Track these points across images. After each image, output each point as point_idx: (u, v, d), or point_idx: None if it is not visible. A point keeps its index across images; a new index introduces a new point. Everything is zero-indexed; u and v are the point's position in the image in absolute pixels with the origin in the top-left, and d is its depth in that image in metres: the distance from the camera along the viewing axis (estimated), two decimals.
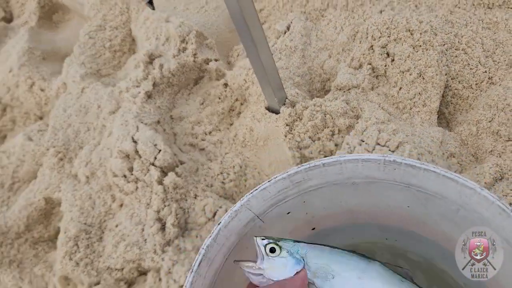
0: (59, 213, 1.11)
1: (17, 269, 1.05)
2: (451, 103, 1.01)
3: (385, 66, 1.04)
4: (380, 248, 0.72)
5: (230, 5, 0.77)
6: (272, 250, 0.54)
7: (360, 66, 1.07)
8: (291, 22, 1.21)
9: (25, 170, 1.16)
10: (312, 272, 0.54)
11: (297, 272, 0.53)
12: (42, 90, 1.36)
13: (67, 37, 1.65)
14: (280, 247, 0.54)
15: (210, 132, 1.14)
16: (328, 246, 0.57)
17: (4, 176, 1.15)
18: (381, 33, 1.05)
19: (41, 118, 1.39)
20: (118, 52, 1.39)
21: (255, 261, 0.53)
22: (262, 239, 0.54)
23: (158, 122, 1.12)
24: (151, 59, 1.19)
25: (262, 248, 0.54)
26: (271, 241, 0.54)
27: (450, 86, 1.01)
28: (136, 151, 0.99)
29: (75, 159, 1.12)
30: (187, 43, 1.21)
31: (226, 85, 1.21)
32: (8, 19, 1.76)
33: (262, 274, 0.53)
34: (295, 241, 0.56)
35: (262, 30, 0.85)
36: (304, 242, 0.56)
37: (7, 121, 1.40)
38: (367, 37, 1.08)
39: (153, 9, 1.19)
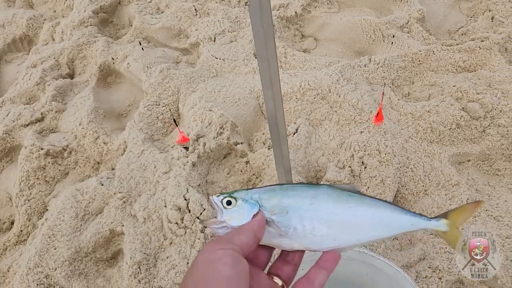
0: (117, 241, 1.52)
1: (84, 279, 1.44)
2: (399, 202, 1.53)
3: (360, 171, 1.54)
4: None
5: (269, 109, 1.12)
6: (229, 203, 0.59)
7: (343, 167, 1.58)
8: (299, 126, 1.71)
9: (94, 206, 1.56)
10: (269, 211, 0.59)
11: (254, 216, 0.58)
12: (104, 143, 1.78)
13: (120, 98, 2.10)
14: (235, 198, 0.59)
15: None
16: (277, 185, 0.63)
17: (78, 208, 1.55)
18: (360, 147, 1.57)
19: (99, 163, 1.81)
20: (167, 123, 1.85)
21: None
22: (218, 196, 0.60)
23: (199, 185, 1.57)
24: (197, 137, 1.66)
25: (219, 204, 0.59)
26: (226, 195, 0.60)
27: (400, 191, 1.52)
28: (187, 207, 1.44)
29: (135, 204, 1.54)
30: (224, 129, 1.69)
31: (247, 162, 1.68)
32: (71, 75, 2.19)
33: (225, 226, 0.58)
34: (248, 189, 0.62)
35: (285, 130, 1.31)
36: (256, 188, 0.62)
37: (71, 162, 1.81)
38: (350, 148, 1.60)
39: (187, 150, 1.64)
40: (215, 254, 0.50)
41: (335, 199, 0.61)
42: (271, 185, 0.63)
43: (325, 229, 0.60)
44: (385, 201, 0.65)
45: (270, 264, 0.63)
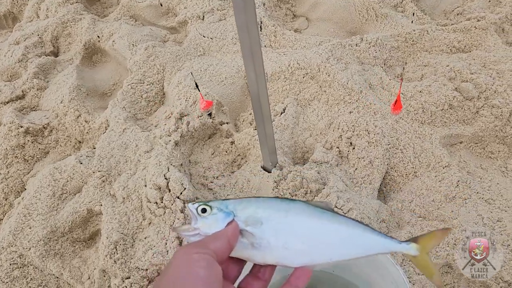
0: (95, 221, 1.47)
1: (59, 260, 1.39)
2: (388, 184, 1.48)
3: (348, 151, 1.49)
4: (328, 274, 1.14)
5: (252, 89, 1.11)
6: (203, 211, 0.59)
7: (331, 148, 1.52)
8: (286, 106, 1.66)
9: (73, 185, 1.51)
10: (243, 222, 0.59)
11: (228, 223, 0.59)
12: (86, 121, 1.73)
13: (105, 77, 2.04)
14: (210, 207, 0.60)
15: (217, 177, 1.55)
16: (253, 197, 0.64)
17: (56, 187, 1.50)
18: (348, 128, 1.52)
19: (80, 142, 1.76)
20: (151, 102, 1.79)
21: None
22: (193, 204, 0.60)
23: (181, 164, 1.52)
24: (181, 116, 1.60)
25: (194, 211, 0.59)
26: (201, 203, 0.60)
27: (389, 172, 1.47)
28: (167, 186, 1.38)
29: (114, 183, 1.49)
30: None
31: (232, 143, 1.63)
32: (55, 53, 2.13)
33: (198, 233, 0.58)
34: (223, 199, 0.63)
35: (269, 110, 1.26)
36: (232, 199, 0.63)
37: (51, 141, 1.75)
38: (338, 128, 1.54)
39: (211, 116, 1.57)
40: (191, 257, 0.51)
41: (309, 214, 0.62)
42: (246, 197, 0.64)
43: (299, 244, 0.61)
44: (357, 220, 0.66)
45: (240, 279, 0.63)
